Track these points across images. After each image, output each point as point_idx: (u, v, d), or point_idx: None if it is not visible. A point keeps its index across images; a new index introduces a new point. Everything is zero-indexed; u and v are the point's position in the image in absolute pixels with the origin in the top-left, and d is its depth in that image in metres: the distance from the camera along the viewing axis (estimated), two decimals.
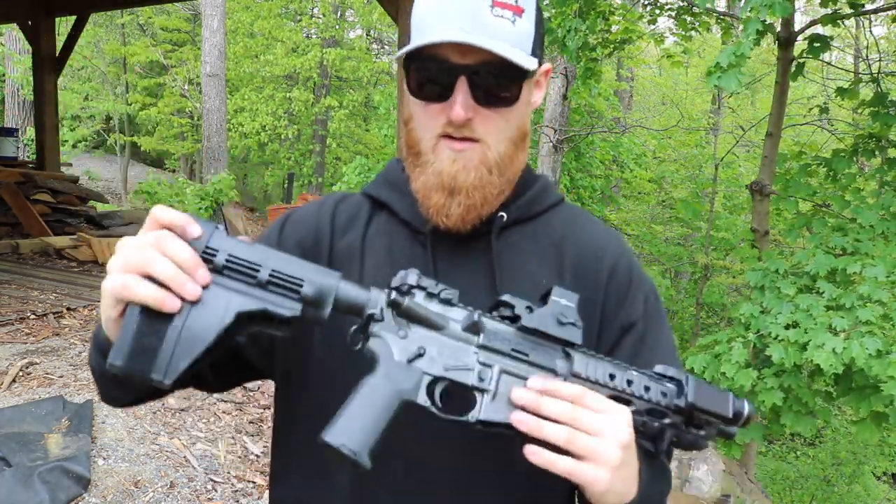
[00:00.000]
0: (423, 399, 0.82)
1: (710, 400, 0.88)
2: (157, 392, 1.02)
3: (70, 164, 13.54)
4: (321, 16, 18.09)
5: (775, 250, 6.10)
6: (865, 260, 4.49)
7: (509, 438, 0.85)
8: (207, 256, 0.76)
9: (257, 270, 0.77)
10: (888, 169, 5.35)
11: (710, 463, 4.03)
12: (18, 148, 10.09)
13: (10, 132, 9.89)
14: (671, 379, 0.89)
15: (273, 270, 0.78)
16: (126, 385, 0.94)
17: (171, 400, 3.85)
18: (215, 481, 3.19)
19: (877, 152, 5.46)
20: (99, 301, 4.56)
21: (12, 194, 8.34)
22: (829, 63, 8.32)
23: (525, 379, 0.84)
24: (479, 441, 0.93)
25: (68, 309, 5.45)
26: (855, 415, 4.79)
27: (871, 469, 11.14)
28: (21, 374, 4.02)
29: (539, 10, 0.99)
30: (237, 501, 3.09)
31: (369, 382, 0.81)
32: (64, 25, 12.42)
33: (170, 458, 3.28)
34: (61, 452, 3.10)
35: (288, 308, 0.78)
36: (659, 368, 0.91)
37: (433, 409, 0.83)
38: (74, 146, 17.65)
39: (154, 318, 0.73)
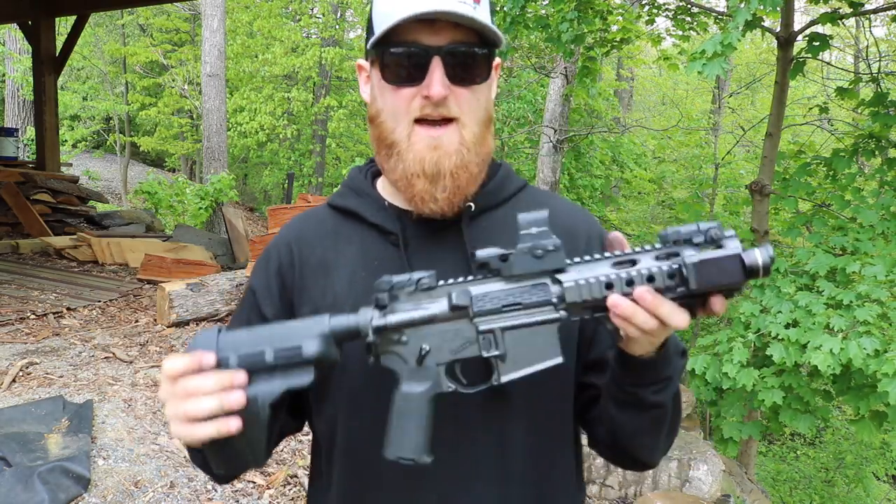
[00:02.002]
0: (447, 387, 0.89)
1: (715, 274, 0.83)
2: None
3: (70, 164, 13.56)
4: (321, 15, 18.08)
5: (774, 250, 6.10)
6: (865, 259, 4.50)
7: (507, 418, 0.96)
8: (223, 366, 0.87)
9: (264, 355, 0.87)
10: (888, 169, 5.35)
11: (710, 463, 4.03)
12: (18, 148, 10.09)
13: (10, 132, 9.90)
14: (670, 255, 0.85)
15: (275, 350, 0.87)
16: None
17: None
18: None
19: (877, 152, 5.46)
20: (99, 301, 4.55)
21: (12, 194, 8.34)
22: (828, 63, 8.32)
23: (529, 326, 0.87)
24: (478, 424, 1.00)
25: (68, 309, 5.45)
26: (854, 414, 4.80)
27: (871, 471, 11.14)
28: (21, 374, 4.02)
29: (492, 4, 1.04)
30: (237, 501, 3.09)
31: (398, 395, 0.89)
32: (64, 25, 12.42)
33: (170, 458, 3.28)
34: (61, 452, 3.11)
35: (304, 377, 0.88)
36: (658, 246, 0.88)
37: (461, 390, 0.90)
38: (74, 146, 17.65)
39: (226, 439, 0.86)
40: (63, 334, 4.87)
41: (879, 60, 6.86)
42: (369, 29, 1.02)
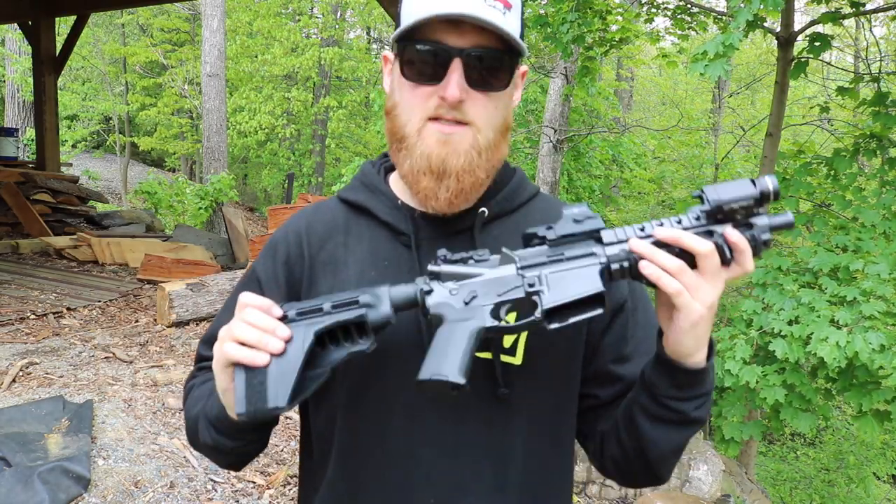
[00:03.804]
0: (490, 322, 0.90)
1: (731, 190, 0.88)
2: (260, 447, 1.10)
3: (70, 164, 13.56)
4: (320, 15, 18.08)
5: (774, 250, 6.10)
6: (867, 257, 4.49)
7: (508, 425, 0.98)
8: (283, 317, 0.93)
9: (321, 306, 0.93)
10: (889, 168, 5.35)
11: (710, 463, 4.03)
12: (18, 148, 10.08)
13: (10, 132, 9.89)
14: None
15: (332, 301, 0.93)
16: (243, 437, 1.03)
17: (171, 400, 3.85)
18: (215, 481, 3.19)
19: (878, 152, 5.45)
20: (99, 301, 4.56)
21: (12, 194, 8.34)
22: (828, 63, 8.32)
23: (570, 270, 0.90)
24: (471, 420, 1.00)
25: (68, 309, 5.45)
26: (856, 411, 4.79)
27: (872, 471, 11.14)
28: (21, 374, 4.02)
29: (522, 11, 1.02)
30: (237, 501, 3.09)
31: (442, 330, 0.90)
32: (64, 25, 12.42)
33: (170, 458, 3.28)
34: (61, 452, 3.10)
35: (355, 314, 0.91)
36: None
37: (504, 325, 0.90)
38: (74, 146, 17.64)
39: (255, 371, 0.90)
40: (63, 334, 4.87)
41: (880, 60, 6.86)
42: (396, 21, 1.02)
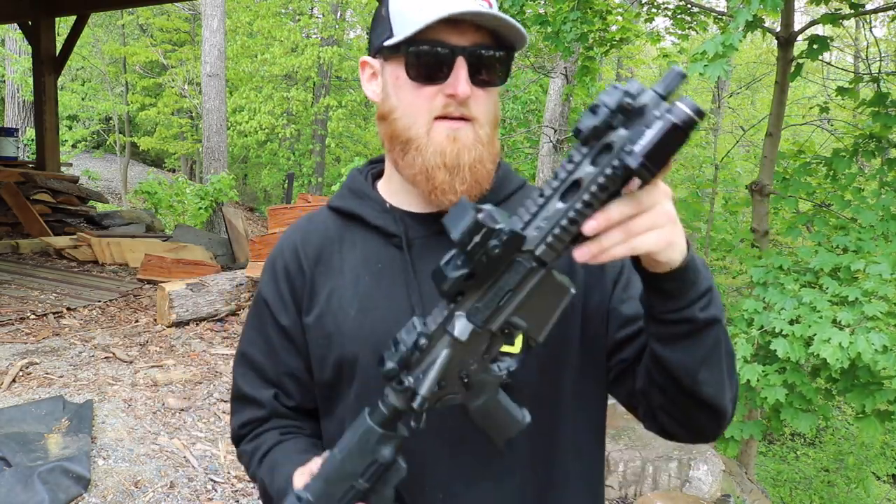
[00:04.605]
0: (502, 372, 0.92)
1: (660, 152, 0.73)
2: None
3: (70, 164, 13.56)
4: (320, 15, 18.08)
5: (774, 250, 6.11)
6: (869, 258, 4.49)
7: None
8: None
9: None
10: (888, 169, 5.34)
11: (710, 463, 4.03)
12: (18, 148, 10.09)
13: (10, 132, 9.89)
14: (603, 151, 0.78)
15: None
16: None
17: (171, 400, 3.85)
18: (215, 481, 3.19)
19: (876, 153, 5.45)
20: (99, 301, 4.52)
21: (12, 194, 8.34)
22: (828, 63, 8.32)
23: (528, 296, 0.85)
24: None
25: (68, 309, 5.45)
26: (856, 412, 4.79)
27: (872, 471, 11.14)
28: (21, 374, 4.02)
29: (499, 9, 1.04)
30: (237, 501, 3.09)
31: (472, 411, 0.93)
32: (64, 25, 12.41)
33: (170, 458, 3.28)
34: (61, 452, 3.10)
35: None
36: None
37: (515, 367, 0.92)
38: (74, 146, 17.64)
39: None
40: (63, 334, 4.87)
41: (880, 60, 6.86)
42: (380, 27, 1.03)
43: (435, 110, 0.99)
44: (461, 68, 0.97)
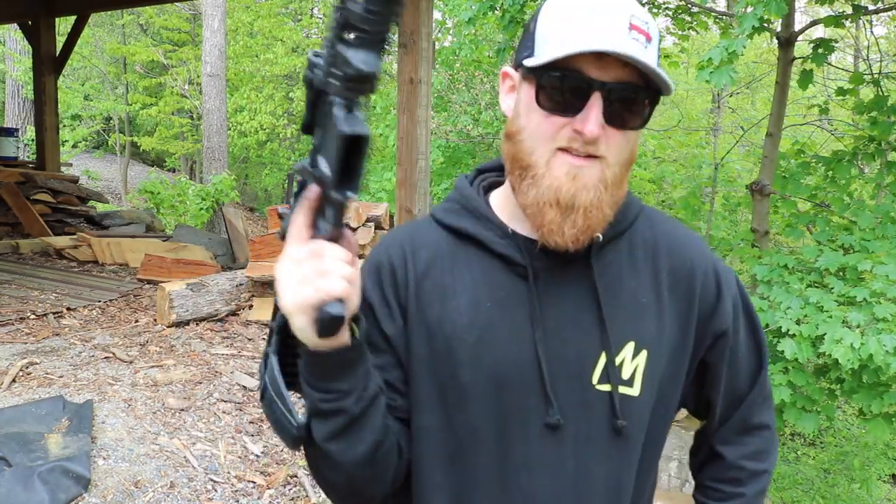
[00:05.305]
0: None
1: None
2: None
3: (70, 164, 13.54)
4: (321, 15, 18.09)
5: (774, 250, 6.10)
6: (875, 258, 4.47)
7: (624, 460, 1.02)
8: None
9: None
10: (887, 172, 5.34)
11: None
12: (18, 148, 10.08)
13: (10, 132, 9.89)
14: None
15: None
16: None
17: (171, 400, 3.85)
18: (215, 481, 3.19)
19: (875, 156, 5.45)
20: (99, 301, 4.53)
21: (12, 194, 8.34)
22: (829, 63, 8.30)
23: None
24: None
25: (68, 309, 5.45)
26: (864, 413, 4.76)
27: (874, 471, 11.13)
28: (21, 374, 4.02)
29: (659, 43, 0.98)
30: (237, 501, 3.09)
31: None
32: (64, 25, 12.41)
33: (170, 458, 3.28)
34: (61, 452, 3.10)
35: None
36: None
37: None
38: (74, 146, 17.64)
39: None
40: (63, 334, 4.87)
41: (880, 61, 6.85)
42: (526, 41, 0.97)
43: (560, 142, 0.92)
44: (595, 105, 0.89)
